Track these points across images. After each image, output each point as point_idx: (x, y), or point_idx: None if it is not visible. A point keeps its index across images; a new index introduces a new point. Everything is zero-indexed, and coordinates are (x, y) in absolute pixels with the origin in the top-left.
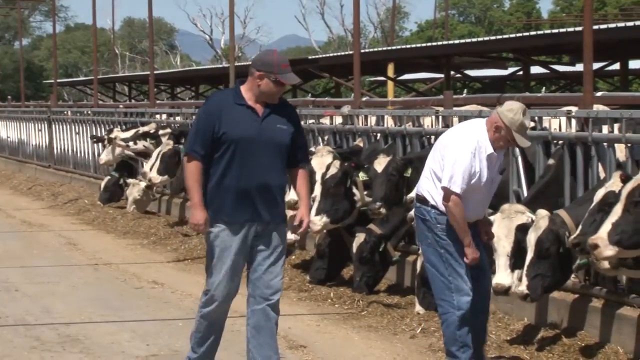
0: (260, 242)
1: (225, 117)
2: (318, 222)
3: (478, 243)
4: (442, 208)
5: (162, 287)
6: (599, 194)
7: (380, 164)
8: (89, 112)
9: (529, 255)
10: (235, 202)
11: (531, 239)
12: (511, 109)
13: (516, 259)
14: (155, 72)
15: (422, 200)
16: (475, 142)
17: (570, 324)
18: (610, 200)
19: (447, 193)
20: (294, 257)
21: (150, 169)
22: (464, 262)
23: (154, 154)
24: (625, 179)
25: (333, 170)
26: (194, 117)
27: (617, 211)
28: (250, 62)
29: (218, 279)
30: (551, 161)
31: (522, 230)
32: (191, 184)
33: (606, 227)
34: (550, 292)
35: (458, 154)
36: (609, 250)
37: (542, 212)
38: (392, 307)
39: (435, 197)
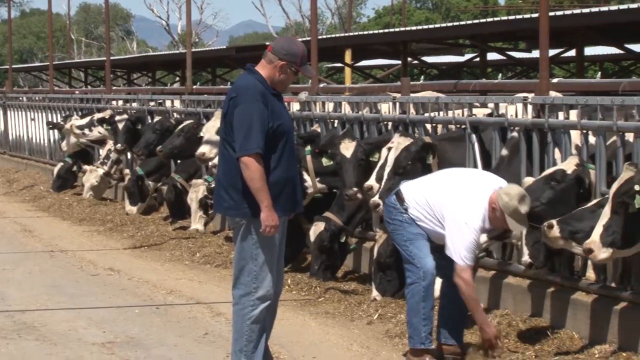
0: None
1: (272, 108)
2: None
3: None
4: (411, 212)
5: (119, 274)
6: (549, 170)
7: (348, 148)
8: (45, 98)
9: None
10: (287, 193)
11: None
12: (508, 193)
13: None
14: (112, 58)
15: (400, 199)
16: (481, 219)
17: (525, 310)
18: (557, 178)
19: (459, 268)
20: None
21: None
22: (427, 242)
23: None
24: (579, 165)
25: None
26: (152, 104)
27: (606, 213)
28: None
29: (269, 275)
30: (504, 152)
31: None
32: (261, 185)
33: (598, 230)
34: (552, 257)
35: (466, 232)
36: (604, 253)
37: (529, 179)
38: (349, 293)
39: (415, 210)
